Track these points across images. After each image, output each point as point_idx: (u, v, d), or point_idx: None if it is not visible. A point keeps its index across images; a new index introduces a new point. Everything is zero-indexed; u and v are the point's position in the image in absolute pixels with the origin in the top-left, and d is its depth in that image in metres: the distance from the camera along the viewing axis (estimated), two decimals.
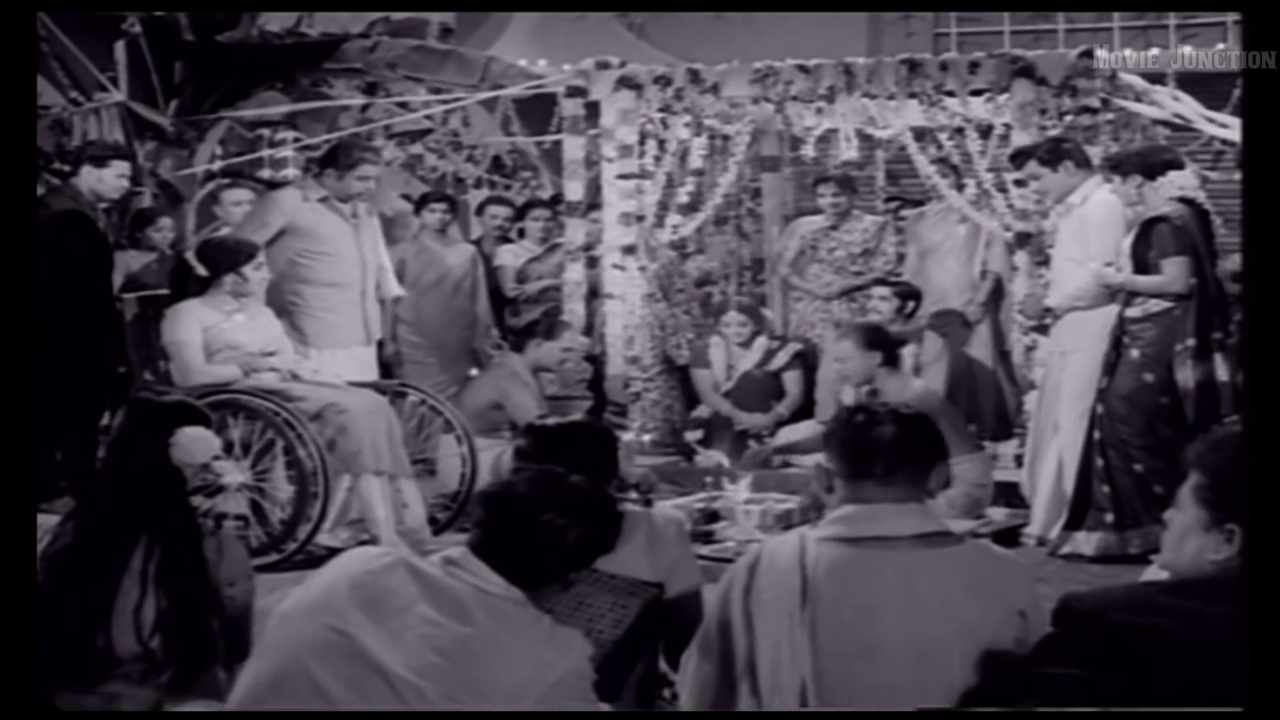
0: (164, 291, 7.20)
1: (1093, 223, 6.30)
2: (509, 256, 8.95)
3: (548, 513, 2.73)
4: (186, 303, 6.37)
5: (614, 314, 8.04)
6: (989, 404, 8.10)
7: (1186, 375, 5.94)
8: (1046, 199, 6.64)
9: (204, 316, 6.29)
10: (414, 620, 2.58)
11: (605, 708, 2.86)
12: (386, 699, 2.53)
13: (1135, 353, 6.06)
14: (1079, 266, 6.27)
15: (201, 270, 6.38)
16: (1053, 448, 6.44)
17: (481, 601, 2.63)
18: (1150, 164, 6.10)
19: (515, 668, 2.56)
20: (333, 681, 2.56)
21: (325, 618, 2.62)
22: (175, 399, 4.02)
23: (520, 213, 9.36)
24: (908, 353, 7.77)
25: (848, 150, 7.82)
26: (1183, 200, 6.04)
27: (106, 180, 7.03)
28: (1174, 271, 5.95)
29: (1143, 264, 6.05)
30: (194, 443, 3.69)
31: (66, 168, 7.52)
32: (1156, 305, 6.02)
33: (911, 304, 7.95)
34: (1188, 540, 2.44)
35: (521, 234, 9.19)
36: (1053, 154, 6.38)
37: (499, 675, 2.55)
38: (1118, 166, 6.19)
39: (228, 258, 6.37)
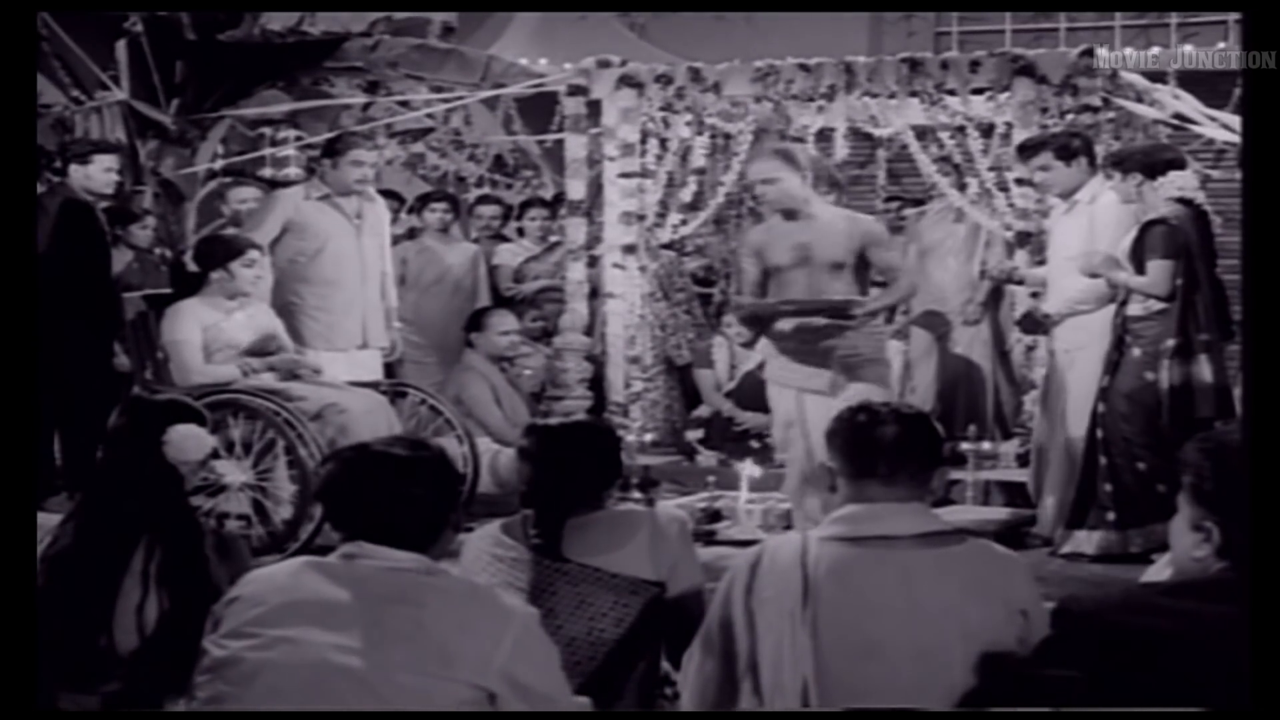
0: (166, 290, 7.21)
1: (1104, 222, 6.28)
2: (507, 255, 8.95)
3: (378, 481, 2.73)
4: (186, 301, 6.38)
5: (615, 313, 8.03)
6: (986, 404, 8.11)
7: (1164, 375, 5.93)
8: (1050, 192, 6.61)
9: (203, 315, 6.30)
10: (359, 613, 2.59)
11: (584, 702, 2.86)
12: (354, 699, 2.52)
13: (1137, 351, 6.05)
14: (1077, 262, 6.26)
15: (192, 266, 6.42)
16: (1060, 447, 6.43)
17: (411, 580, 2.64)
18: (1152, 163, 6.09)
19: (470, 633, 2.58)
20: (292, 690, 2.55)
21: (273, 632, 2.60)
22: (167, 397, 4.03)
23: (519, 212, 9.36)
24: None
25: (842, 149, 7.83)
26: (1181, 201, 6.03)
27: (94, 176, 7.00)
28: (1156, 274, 5.94)
29: (1140, 264, 6.04)
30: (186, 440, 3.70)
31: (60, 164, 7.51)
32: (1156, 304, 6.02)
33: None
34: (1180, 539, 2.46)
35: (521, 233, 9.19)
36: (1069, 148, 6.36)
37: (459, 643, 2.56)
38: (1120, 164, 6.16)
39: (215, 254, 6.41)
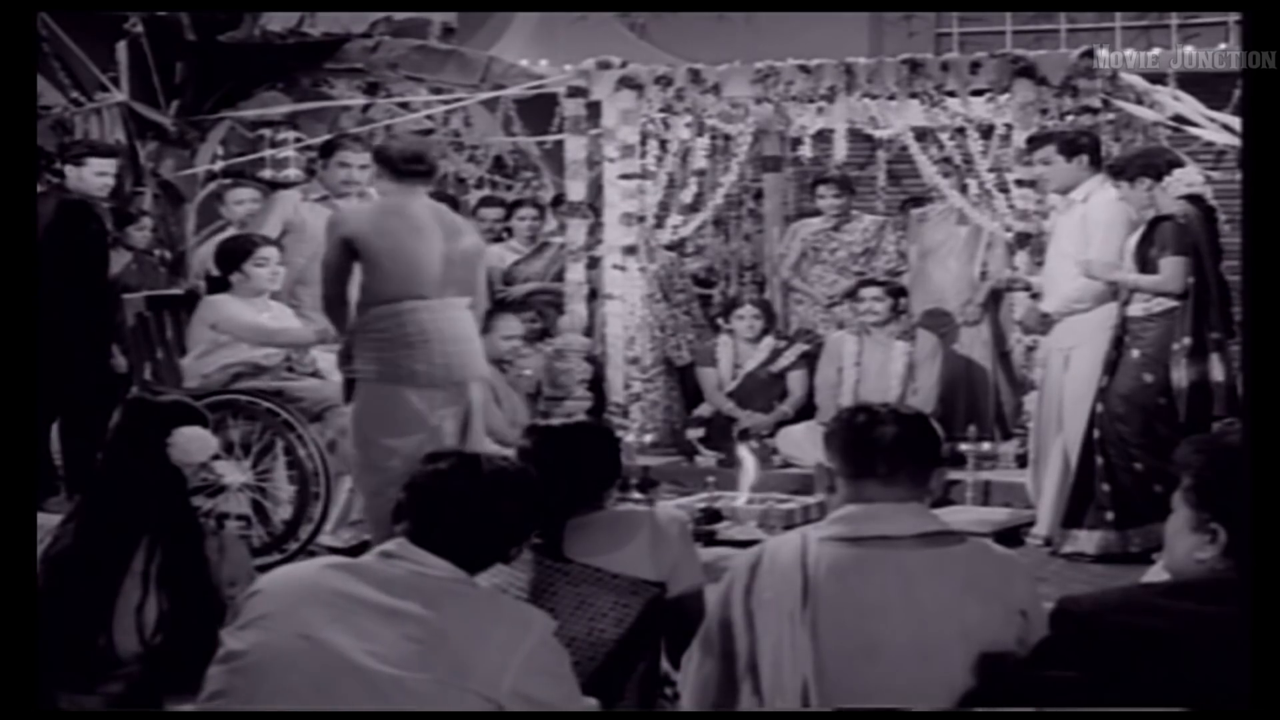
0: (165, 292, 7.20)
1: (1096, 221, 6.29)
2: (495, 257, 8.91)
3: (481, 498, 2.75)
4: (220, 295, 6.43)
5: (614, 314, 8.04)
6: (987, 404, 8.11)
7: (1181, 375, 5.94)
8: (1047, 188, 6.64)
9: (239, 308, 6.35)
10: (377, 614, 2.59)
11: (591, 703, 2.86)
12: (362, 698, 2.53)
13: (1135, 352, 6.06)
14: (1075, 263, 6.27)
15: (214, 271, 6.49)
16: (1057, 446, 6.44)
17: (436, 586, 2.65)
18: (1155, 165, 6.10)
19: (486, 646, 2.58)
20: (301, 686, 2.56)
21: (288, 627, 2.61)
22: (172, 398, 4.02)
23: (508, 212, 9.31)
24: (902, 351, 7.78)
25: (841, 150, 7.83)
26: (1190, 198, 6.04)
27: (87, 179, 7.00)
28: (1170, 270, 5.95)
29: (1146, 262, 6.05)
30: (191, 442, 3.70)
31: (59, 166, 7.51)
32: (1158, 305, 6.03)
33: (903, 301, 7.97)
34: (1180, 541, 2.45)
35: (509, 232, 9.14)
36: (1073, 145, 6.37)
37: (474, 654, 2.56)
38: (1122, 172, 6.15)
39: (230, 257, 6.45)
